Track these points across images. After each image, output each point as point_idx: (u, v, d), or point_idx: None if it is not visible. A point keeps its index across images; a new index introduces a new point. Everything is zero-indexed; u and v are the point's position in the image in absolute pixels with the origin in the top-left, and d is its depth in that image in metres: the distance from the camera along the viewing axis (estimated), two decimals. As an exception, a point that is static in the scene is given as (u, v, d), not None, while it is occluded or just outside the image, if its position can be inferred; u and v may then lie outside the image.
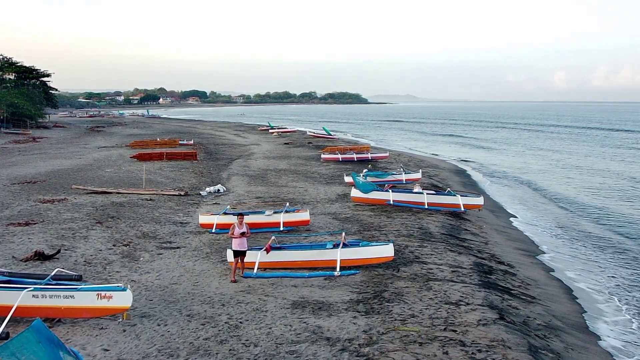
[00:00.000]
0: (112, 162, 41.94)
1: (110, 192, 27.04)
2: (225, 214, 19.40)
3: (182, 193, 26.98)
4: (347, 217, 21.64)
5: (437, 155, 55.18)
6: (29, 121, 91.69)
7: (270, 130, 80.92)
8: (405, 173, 29.96)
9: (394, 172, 30.85)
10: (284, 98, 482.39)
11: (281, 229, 18.70)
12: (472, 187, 33.06)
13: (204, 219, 19.55)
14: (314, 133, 71.11)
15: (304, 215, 19.24)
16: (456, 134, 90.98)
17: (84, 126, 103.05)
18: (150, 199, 25.43)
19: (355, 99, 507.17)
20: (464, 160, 49.03)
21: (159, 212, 22.67)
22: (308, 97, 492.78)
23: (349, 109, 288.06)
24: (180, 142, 57.91)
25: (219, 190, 28.46)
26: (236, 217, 14.84)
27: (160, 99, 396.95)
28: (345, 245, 14.78)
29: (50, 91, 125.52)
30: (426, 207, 22.54)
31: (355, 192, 23.79)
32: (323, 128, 74.39)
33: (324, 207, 23.98)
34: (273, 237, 15.62)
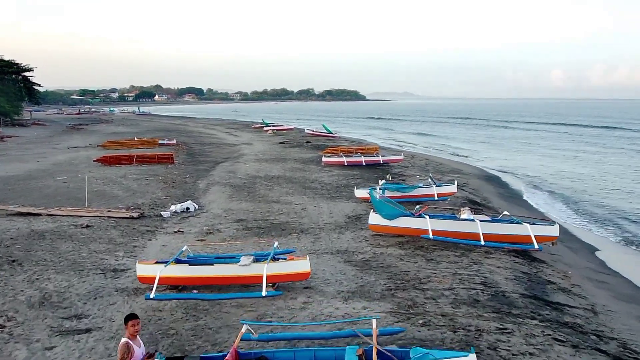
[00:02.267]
0: (73, 167, 34.86)
1: (39, 214, 19.88)
2: (177, 262, 12.27)
3: (136, 214, 19.80)
4: (365, 261, 14.43)
5: (454, 156, 48.23)
6: (3, 118, 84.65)
7: (264, 128, 73.73)
8: (435, 185, 22.51)
9: (421, 185, 23.20)
10: (282, 95, 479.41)
11: (264, 293, 11.47)
12: (518, 202, 25.98)
13: (143, 269, 12.31)
14: (313, 131, 63.91)
15: (300, 265, 12.01)
16: (466, 134, 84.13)
17: (66, 124, 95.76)
18: (88, 225, 18.26)
19: (354, 96, 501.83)
20: (497, 169, 41.69)
21: (89, 250, 15.51)
22: (306, 94, 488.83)
23: (346, 107, 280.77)
24: (161, 141, 50.73)
25: (187, 208, 21.33)
26: (125, 322, 7.46)
27: (156, 96, 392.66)
28: None
29: (34, 87, 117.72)
30: (482, 243, 15.38)
31: (375, 219, 16.48)
32: (323, 125, 67.26)
33: (329, 239, 16.83)
34: (243, 330, 8.28)
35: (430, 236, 15.41)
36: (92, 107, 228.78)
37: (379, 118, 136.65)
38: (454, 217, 16.39)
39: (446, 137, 72.86)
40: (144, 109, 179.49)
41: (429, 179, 23.46)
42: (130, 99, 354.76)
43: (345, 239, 16.79)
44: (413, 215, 16.34)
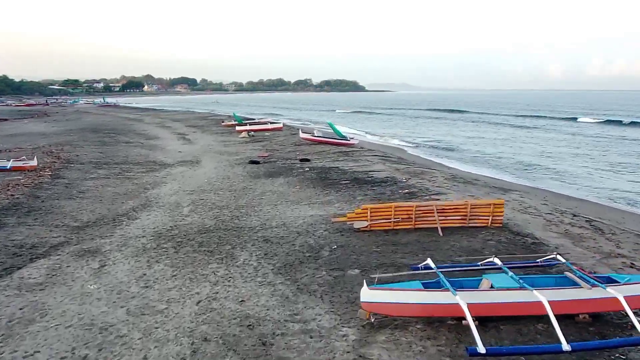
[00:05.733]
0: None
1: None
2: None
3: None
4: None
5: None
6: None
7: (238, 128, 47.49)
8: None
9: None
10: (278, 86, 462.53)
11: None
12: None
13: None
14: (312, 136, 37.57)
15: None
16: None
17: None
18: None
19: (353, 86, 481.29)
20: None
21: None
22: (303, 85, 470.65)
23: (346, 98, 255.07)
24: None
25: None
26: None
27: (145, 87, 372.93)
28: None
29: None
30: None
31: None
32: (329, 125, 40.96)
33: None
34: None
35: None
36: (59, 97, 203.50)
37: (403, 110, 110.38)
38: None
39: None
40: (111, 99, 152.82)
41: None
42: (117, 89, 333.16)
43: None
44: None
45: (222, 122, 55.85)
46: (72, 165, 27.12)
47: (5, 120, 69.26)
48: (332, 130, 38.13)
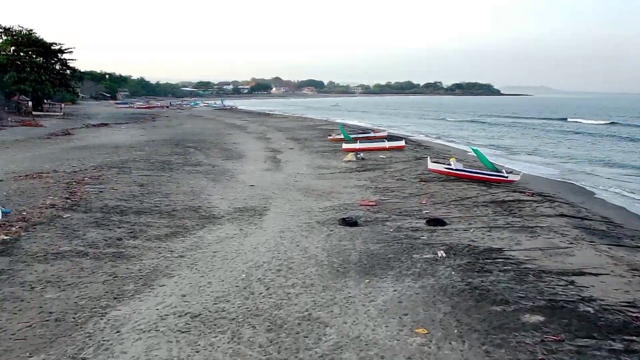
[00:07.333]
0: None
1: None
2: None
3: None
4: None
5: None
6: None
7: (344, 147, 36.24)
8: None
9: None
10: (406, 88, 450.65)
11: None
12: None
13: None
14: (446, 168, 24.91)
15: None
16: None
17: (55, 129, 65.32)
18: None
19: (486, 89, 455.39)
20: None
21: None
22: (433, 88, 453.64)
23: (479, 101, 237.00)
24: None
25: None
26: None
27: (273, 89, 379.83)
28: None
29: (67, 70, 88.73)
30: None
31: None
32: (474, 151, 27.85)
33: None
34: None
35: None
36: (193, 99, 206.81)
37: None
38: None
39: None
40: (229, 102, 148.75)
41: None
42: (245, 91, 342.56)
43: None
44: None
45: (329, 135, 44.86)
46: (69, 216, 17.33)
47: (105, 125, 64.05)
48: (477, 158, 25.48)
